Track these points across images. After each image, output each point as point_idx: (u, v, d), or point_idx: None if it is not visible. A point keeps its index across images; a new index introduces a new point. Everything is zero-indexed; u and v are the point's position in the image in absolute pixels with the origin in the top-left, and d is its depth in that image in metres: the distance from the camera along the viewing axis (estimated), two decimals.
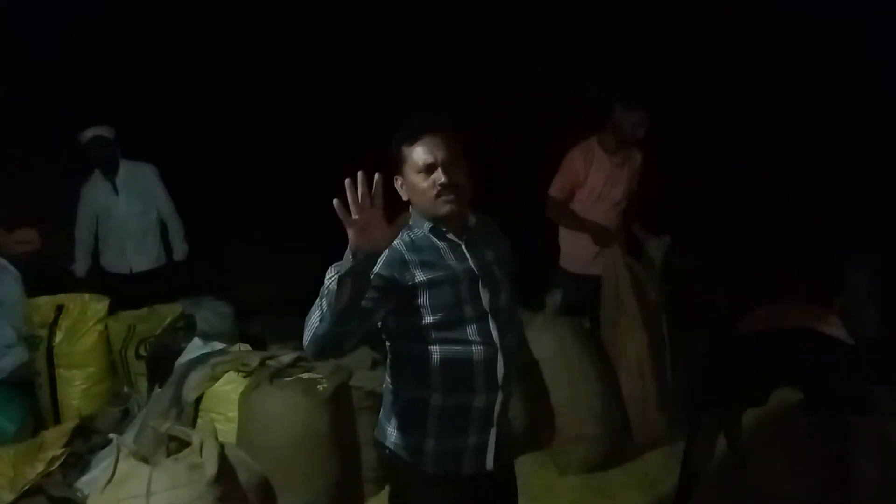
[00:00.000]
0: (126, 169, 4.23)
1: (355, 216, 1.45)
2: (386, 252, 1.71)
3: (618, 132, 3.59)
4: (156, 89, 4.90)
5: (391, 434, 1.86)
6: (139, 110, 4.75)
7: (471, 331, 1.78)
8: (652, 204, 3.90)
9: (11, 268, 3.82)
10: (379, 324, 1.78)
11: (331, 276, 1.56)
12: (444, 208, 1.76)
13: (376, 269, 1.68)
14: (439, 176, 1.73)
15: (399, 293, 1.74)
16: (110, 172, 4.20)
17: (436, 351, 1.77)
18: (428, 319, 1.76)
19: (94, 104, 4.54)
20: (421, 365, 1.79)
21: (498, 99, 4.81)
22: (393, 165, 1.81)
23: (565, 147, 3.74)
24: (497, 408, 1.83)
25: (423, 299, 1.75)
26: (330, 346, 1.58)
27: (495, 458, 1.86)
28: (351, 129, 5.12)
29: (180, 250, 4.40)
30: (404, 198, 1.82)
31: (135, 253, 4.30)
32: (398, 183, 1.82)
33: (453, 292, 1.77)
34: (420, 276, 1.75)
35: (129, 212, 4.24)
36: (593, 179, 3.64)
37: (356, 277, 1.49)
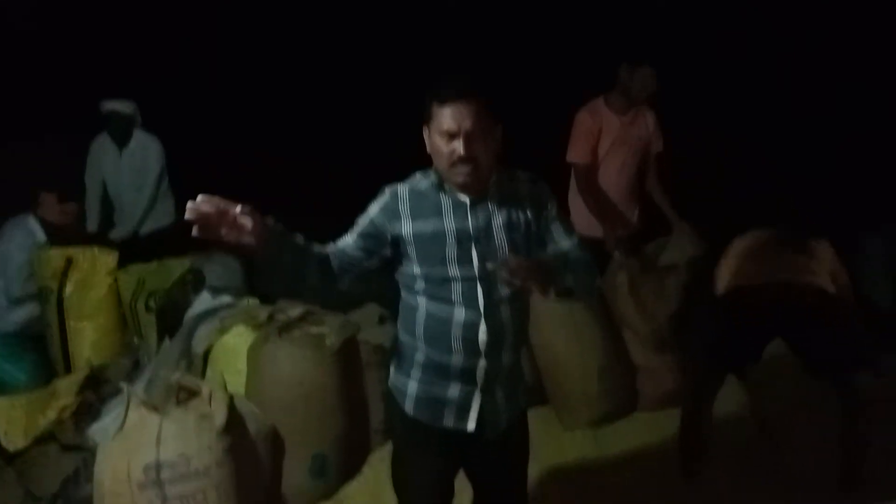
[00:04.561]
0: (137, 142, 4.33)
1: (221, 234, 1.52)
2: (386, 198, 1.82)
3: (626, 91, 3.54)
4: (171, 58, 4.92)
5: (391, 370, 1.95)
6: (157, 76, 4.78)
7: (455, 292, 1.77)
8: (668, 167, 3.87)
9: (40, 233, 3.86)
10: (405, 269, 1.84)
11: None
12: (458, 179, 1.75)
13: (371, 213, 1.81)
14: (459, 147, 1.70)
15: (389, 241, 1.80)
16: (121, 143, 4.32)
17: (422, 303, 1.81)
18: (416, 271, 1.79)
19: (117, 70, 4.58)
20: (410, 313, 1.85)
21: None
22: (423, 115, 1.79)
23: (571, 108, 3.69)
24: (480, 373, 1.82)
25: (411, 250, 1.78)
26: (312, 288, 1.76)
27: (481, 424, 1.85)
28: (353, 94, 5.12)
29: (120, 230, 4.36)
30: (427, 149, 1.80)
31: (129, 220, 4.41)
32: (425, 133, 1.80)
33: (441, 249, 1.76)
34: (407, 228, 1.78)
35: (126, 183, 4.37)
36: (602, 140, 3.60)
37: (262, 256, 1.60)
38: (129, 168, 4.34)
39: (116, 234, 4.33)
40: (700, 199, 3.98)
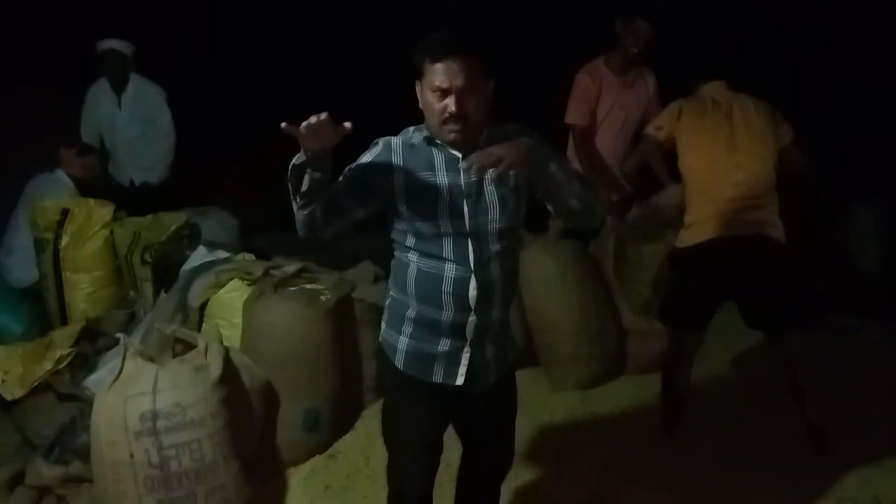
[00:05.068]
0: (135, 86, 4.31)
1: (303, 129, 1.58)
2: (379, 149, 1.81)
3: (623, 48, 3.52)
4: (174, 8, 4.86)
5: (382, 326, 1.97)
6: (156, 26, 4.73)
7: (446, 247, 1.78)
8: None
9: (70, 185, 3.93)
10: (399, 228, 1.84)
11: (290, 172, 1.70)
12: (449, 136, 1.75)
13: (363, 163, 1.80)
14: (451, 104, 1.70)
15: (380, 193, 1.79)
16: (118, 87, 4.28)
17: (413, 259, 1.82)
18: (407, 226, 1.80)
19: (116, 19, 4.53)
20: (402, 269, 1.86)
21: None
22: (414, 71, 1.78)
23: (571, 71, 3.67)
24: (470, 329, 1.83)
25: (402, 205, 1.78)
26: (305, 227, 1.78)
27: (470, 379, 1.88)
28: (355, 49, 5.07)
29: (157, 174, 4.45)
30: (420, 105, 1.79)
31: (134, 168, 4.45)
32: (417, 89, 1.79)
33: (432, 204, 1.77)
34: (399, 181, 1.78)
35: (128, 131, 4.36)
36: (601, 101, 3.59)
37: (309, 168, 1.65)
38: (129, 114, 4.31)
39: (154, 177, 4.42)
40: None
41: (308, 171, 1.66)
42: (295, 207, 1.75)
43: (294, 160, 1.67)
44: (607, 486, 2.74)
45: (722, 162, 2.90)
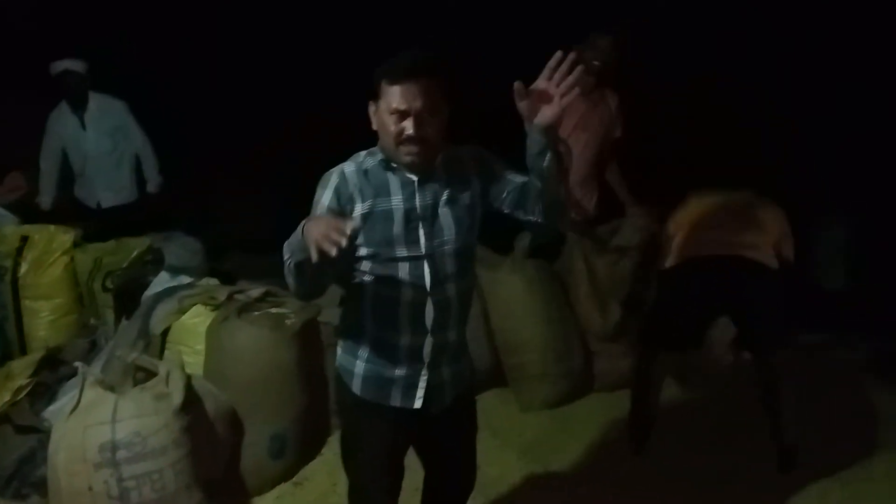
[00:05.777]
0: (96, 104, 4.27)
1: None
2: (335, 181, 1.77)
3: (585, 65, 3.55)
4: (134, 24, 4.84)
5: (338, 350, 1.95)
6: (117, 44, 4.71)
7: (402, 270, 1.77)
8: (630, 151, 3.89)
9: (9, 215, 3.87)
10: None
11: (288, 257, 1.68)
12: (405, 159, 1.73)
13: (325, 202, 1.74)
14: (409, 126, 1.68)
15: None
16: (79, 107, 4.24)
17: (369, 284, 1.80)
18: (362, 252, 1.77)
19: (72, 37, 4.49)
20: (357, 294, 1.84)
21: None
22: (370, 91, 1.75)
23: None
24: (427, 350, 1.83)
25: (359, 231, 1.74)
26: (315, 293, 1.78)
27: (428, 401, 1.88)
28: (326, 69, 5.05)
29: (154, 182, 4.51)
30: (373, 127, 1.77)
31: (103, 189, 4.40)
32: (371, 110, 1.76)
33: (388, 229, 1.76)
34: (358, 208, 1.75)
35: (97, 149, 4.30)
36: (564, 122, 3.60)
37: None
38: (95, 131, 4.25)
39: (153, 186, 4.50)
40: (661, 180, 4.00)
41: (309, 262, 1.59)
42: (303, 288, 1.72)
43: (295, 261, 1.64)
44: (578, 502, 2.75)
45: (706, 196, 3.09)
